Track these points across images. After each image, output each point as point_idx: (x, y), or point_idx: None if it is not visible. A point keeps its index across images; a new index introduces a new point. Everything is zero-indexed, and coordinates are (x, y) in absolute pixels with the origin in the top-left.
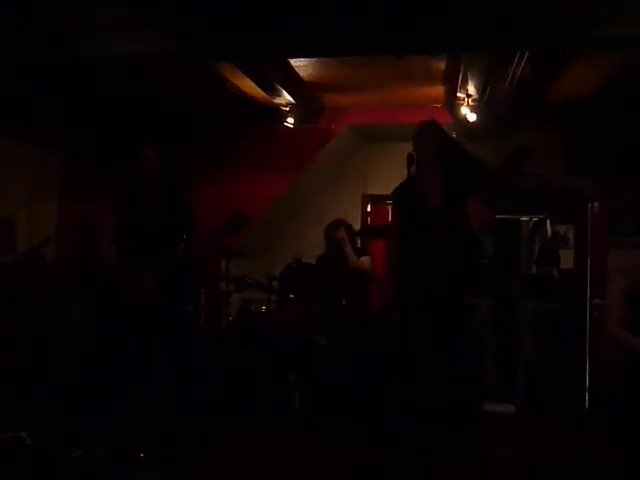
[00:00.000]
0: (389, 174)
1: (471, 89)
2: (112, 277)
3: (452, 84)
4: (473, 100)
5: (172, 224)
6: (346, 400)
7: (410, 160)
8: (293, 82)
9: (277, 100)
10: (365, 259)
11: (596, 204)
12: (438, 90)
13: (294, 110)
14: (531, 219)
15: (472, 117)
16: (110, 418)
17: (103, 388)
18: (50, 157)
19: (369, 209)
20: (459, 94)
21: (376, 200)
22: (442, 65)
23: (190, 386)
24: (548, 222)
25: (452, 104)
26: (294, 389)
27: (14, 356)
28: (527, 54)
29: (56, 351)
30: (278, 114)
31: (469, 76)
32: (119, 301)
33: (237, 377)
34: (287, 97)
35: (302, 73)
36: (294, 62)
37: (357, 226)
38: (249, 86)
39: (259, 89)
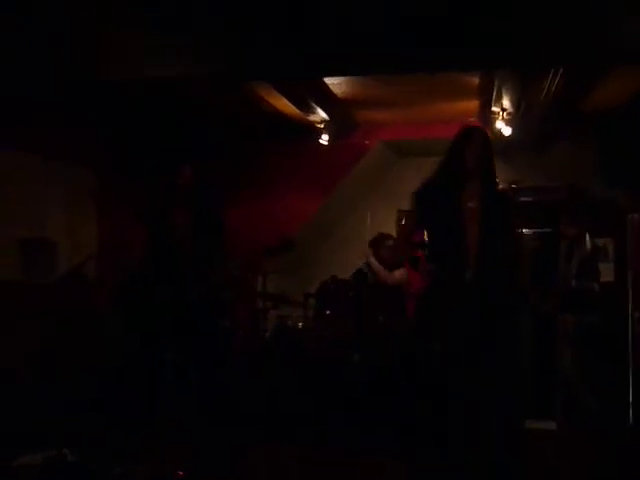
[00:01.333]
0: None
1: (506, 103)
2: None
3: (486, 98)
4: (508, 114)
5: (203, 238)
6: (383, 416)
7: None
8: (327, 99)
9: (311, 117)
10: (398, 272)
11: (635, 215)
12: (472, 104)
13: (328, 127)
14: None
15: (507, 131)
16: (150, 435)
17: (143, 404)
18: (89, 176)
19: (404, 223)
20: (494, 108)
21: (411, 215)
22: (475, 80)
23: (225, 400)
24: (587, 235)
25: (486, 118)
26: (329, 405)
27: (56, 373)
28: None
29: (97, 367)
30: (313, 131)
31: (503, 90)
32: (155, 315)
33: (273, 393)
34: (321, 114)
35: (336, 90)
36: (328, 80)
37: None
38: (283, 104)
39: (294, 107)
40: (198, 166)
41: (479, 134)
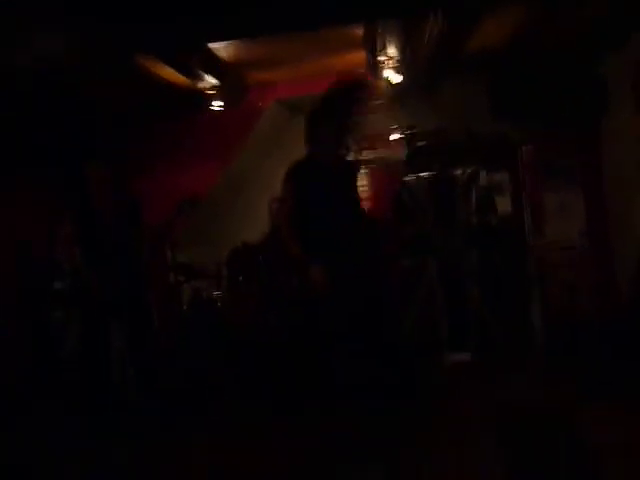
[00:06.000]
0: None
1: (391, 51)
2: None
3: (372, 48)
4: (395, 62)
5: (124, 221)
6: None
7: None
8: (214, 64)
9: (201, 84)
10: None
11: (526, 147)
12: (360, 55)
13: (220, 92)
14: (464, 171)
15: (397, 78)
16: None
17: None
18: None
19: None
20: (380, 57)
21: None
22: (360, 31)
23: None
24: (482, 172)
25: (375, 68)
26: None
27: None
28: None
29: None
30: (204, 98)
31: (387, 39)
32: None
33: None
34: (210, 80)
35: (222, 54)
36: (213, 44)
37: None
38: (169, 73)
39: (181, 75)
40: (105, 161)
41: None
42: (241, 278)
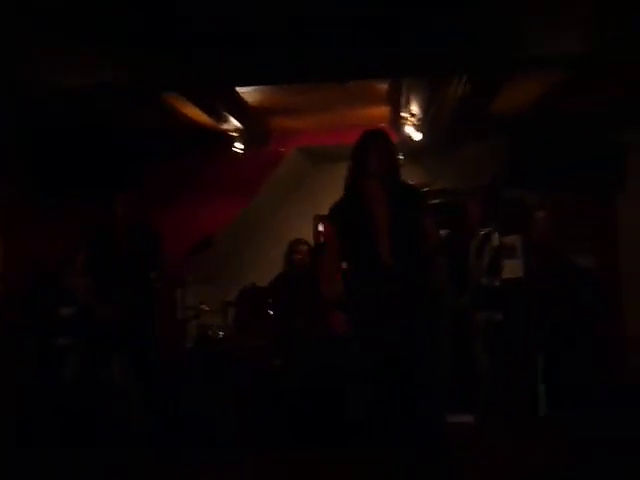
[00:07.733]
0: (338, 194)
1: (414, 108)
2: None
3: (396, 104)
4: (417, 119)
5: (141, 253)
6: (308, 421)
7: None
8: (239, 108)
9: (224, 126)
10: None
11: (540, 213)
12: (383, 110)
13: (242, 135)
14: (479, 232)
15: (417, 136)
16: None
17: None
18: None
19: (321, 229)
20: (403, 114)
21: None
22: (385, 87)
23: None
24: (496, 234)
25: (397, 123)
26: (256, 414)
27: None
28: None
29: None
30: (226, 139)
31: (412, 96)
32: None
33: (196, 405)
34: (234, 123)
35: (248, 99)
36: (240, 88)
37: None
38: (195, 113)
39: (205, 116)
40: (134, 193)
41: (379, 136)
42: (249, 319)
